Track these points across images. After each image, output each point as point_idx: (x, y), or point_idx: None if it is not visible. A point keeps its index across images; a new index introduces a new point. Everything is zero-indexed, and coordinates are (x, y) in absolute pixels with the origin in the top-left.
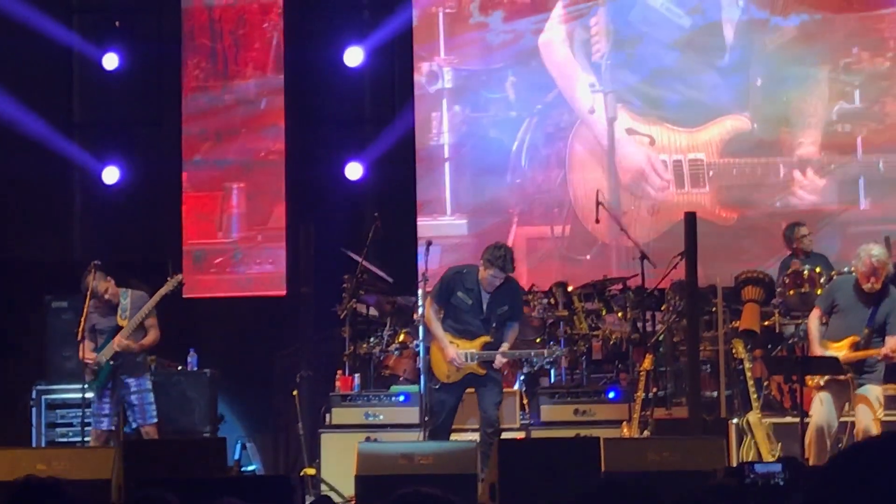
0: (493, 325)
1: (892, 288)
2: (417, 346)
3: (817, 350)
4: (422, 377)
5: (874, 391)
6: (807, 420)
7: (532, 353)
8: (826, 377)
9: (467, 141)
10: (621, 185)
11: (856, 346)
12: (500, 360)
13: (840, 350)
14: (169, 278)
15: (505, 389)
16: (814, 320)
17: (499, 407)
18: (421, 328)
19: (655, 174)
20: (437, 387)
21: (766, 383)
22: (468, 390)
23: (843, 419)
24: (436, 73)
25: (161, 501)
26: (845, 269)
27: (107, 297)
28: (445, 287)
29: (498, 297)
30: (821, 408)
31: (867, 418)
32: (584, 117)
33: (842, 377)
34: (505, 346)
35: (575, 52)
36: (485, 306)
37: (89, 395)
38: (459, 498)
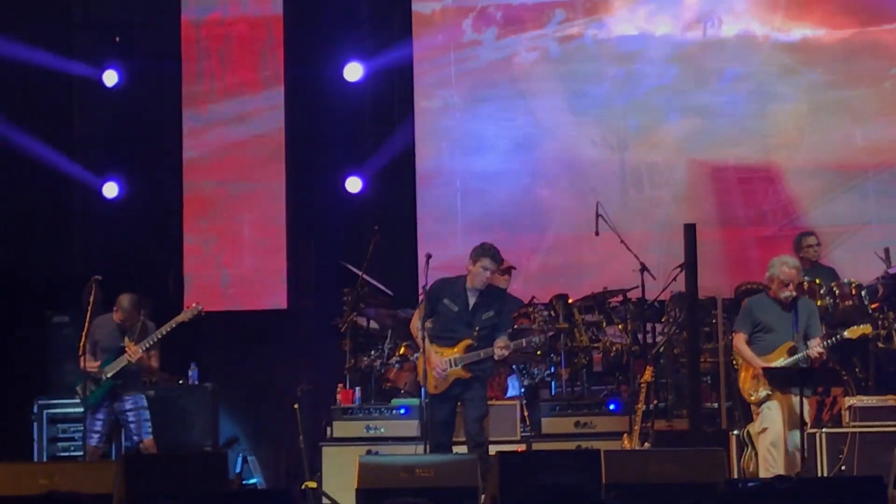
0: (478, 329)
1: (801, 296)
2: (418, 358)
3: (760, 366)
4: (423, 389)
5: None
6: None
7: (523, 341)
8: (765, 391)
9: (466, 155)
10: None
11: (791, 351)
12: (500, 352)
13: (776, 359)
14: (189, 307)
15: (503, 402)
16: (741, 343)
17: (482, 421)
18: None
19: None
20: (426, 401)
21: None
22: None
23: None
24: (435, 89)
25: None
26: (845, 281)
27: (126, 323)
28: (432, 295)
29: (484, 302)
30: (775, 420)
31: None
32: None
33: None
34: (500, 340)
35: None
36: (471, 310)
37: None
38: None
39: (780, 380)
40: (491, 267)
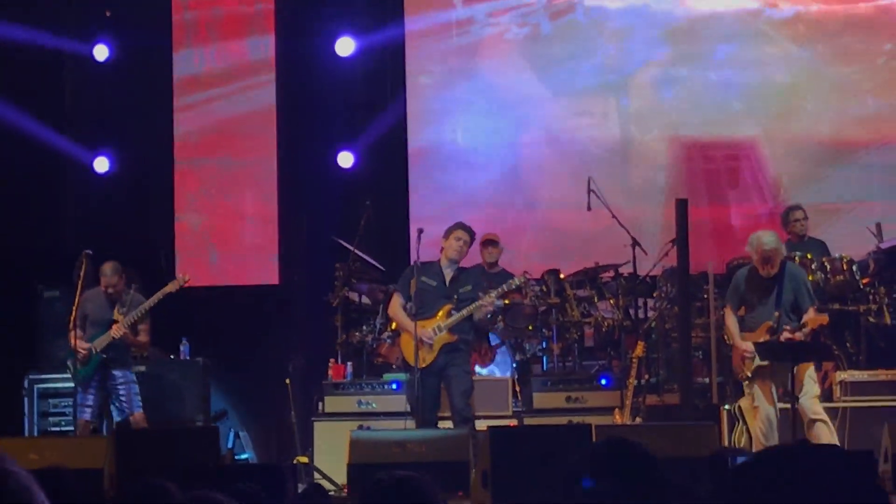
0: (456, 297)
1: (789, 266)
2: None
3: (741, 345)
4: (416, 359)
5: (804, 372)
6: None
7: (504, 286)
8: (754, 366)
9: (457, 131)
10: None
11: (771, 331)
12: (484, 305)
13: (759, 338)
14: (173, 278)
15: (496, 377)
16: (729, 317)
17: (468, 396)
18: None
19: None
20: (419, 376)
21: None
22: None
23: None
24: (427, 64)
25: (161, 491)
26: (837, 256)
27: (111, 290)
28: (409, 277)
29: (461, 277)
30: (762, 396)
31: (806, 397)
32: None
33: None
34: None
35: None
36: (448, 285)
37: (71, 384)
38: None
39: (770, 353)
40: (464, 237)
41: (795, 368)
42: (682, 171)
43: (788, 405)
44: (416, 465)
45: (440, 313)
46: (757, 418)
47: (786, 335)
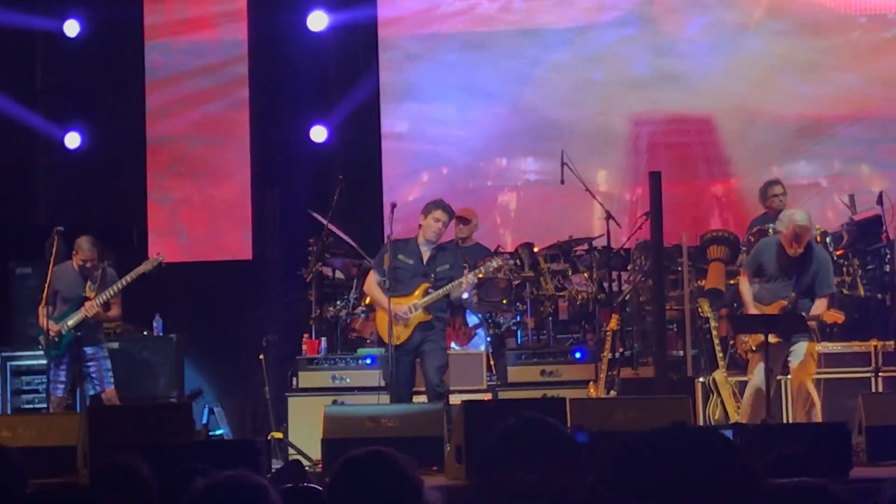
0: (433, 276)
1: (816, 249)
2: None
3: (754, 312)
4: (390, 334)
5: (806, 348)
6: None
7: (481, 268)
8: (759, 340)
9: (431, 105)
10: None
11: (783, 311)
12: (466, 283)
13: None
14: (148, 258)
15: (470, 352)
16: (744, 284)
17: (443, 371)
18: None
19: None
20: (395, 353)
21: (731, 342)
22: None
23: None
24: (399, 39)
25: (131, 469)
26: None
27: (88, 265)
28: (384, 253)
29: (439, 256)
30: (758, 369)
31: (802, 374)
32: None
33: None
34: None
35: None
36: (425, 264)
37: (44, 361)
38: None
39: (742, 326)
40: (443, 218)
41: (799, 348)
42: (655, 145)
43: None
44: (390, 440)
45: (417, 292)
46: (747, 389)
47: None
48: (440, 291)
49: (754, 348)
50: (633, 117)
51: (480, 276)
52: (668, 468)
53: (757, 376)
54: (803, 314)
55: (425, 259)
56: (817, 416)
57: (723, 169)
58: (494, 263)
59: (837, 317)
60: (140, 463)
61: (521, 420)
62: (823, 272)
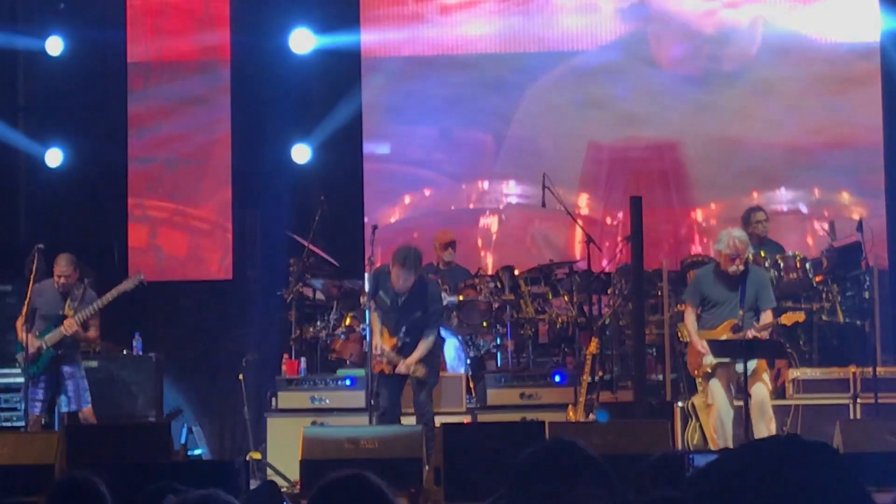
0: (405, 328)
1: (752, 267)
2: (364, 330)
3: (698, 343)
4: (368, 360)
5: (757, 364)
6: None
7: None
8: (713, 364)
9: (412, 127)
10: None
11: (735, 329)
12: (401, 368)
13: (721, 335)
14: (130, 276)
15: (450, 374)
16: (689, 316)
17: (426, 391)
18: (367, 312)
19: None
20: (378, 380)
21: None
22: None
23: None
24: (382, 61)
25: (86, 486)
26: (790, 254)
27: (64, 282)
28: (373, 284)
29: (412, 300)
30: (719, 394)
31: (762, 393)
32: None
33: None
34: (412, 357)
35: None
36: (400, 307)
37: (22, 379)
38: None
39: (723, 351)
40: (403, 275)
41: (755, 366)
42: (635, 170)
43: (741, 403)
44: (369, 462)
45: (392, 340)
46: (711, 416)
47: (752, 333)
48: (398, 360)
49: (710, 370)
50: (616, 143)
51: (457, 296)
52: (777, 480)
53: (719, 402)
54: (756, 327)
55: (400, 303)
56: (773, 431)
57: (704, 195)
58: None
59: (798, 316)
60: (98, 482)
61: (553, 442)
62: (764, 288)
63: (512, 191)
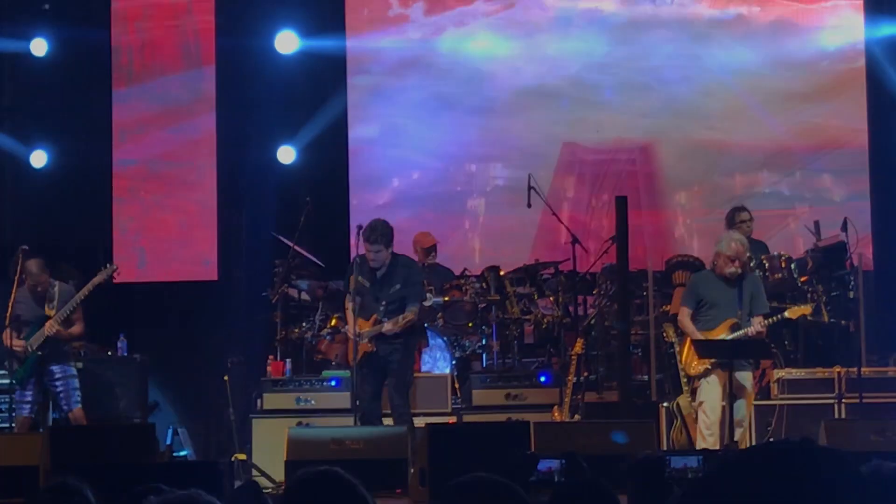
0: (385, 302)
1: (747, 272)
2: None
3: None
4: (354, 356)
5: (748, 379)
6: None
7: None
8: (706, 364)
9: (397, 127)
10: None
11: (734, 328)
12: (387, 328)
13: (719, 335)
14: (102, 268)
15: (435, 374)
16: (685, 318)
17: (404, 392)
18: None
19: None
20: (359, 377)
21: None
22: None
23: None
24: (367, 62)
25: (76, 494)
26: (775, 255)
27: (39, 289)
28: (350, 273)
29: (390, 276)
30: (714, 393)
31: (743, 410)
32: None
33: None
34: (393, 322)
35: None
36: (379, 285)
37: (9, 381)
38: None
39: (708, 352)
40: (372, 249)
41: (744, 374)
42: (620, 172)
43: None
44: (354, 463)
45: (371, 319)
46: (703, 414)
47: (757, 328)
48: (378, 327)
49: (709, 367)
50: (600, 143)
51: (442, 297)
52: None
53: (714, 401)
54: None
55: (378, 277)
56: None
57: (688, 197)
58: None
59: (804, 309)
60: (86, 489)
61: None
62: (759, 293)
63: (496, 190)
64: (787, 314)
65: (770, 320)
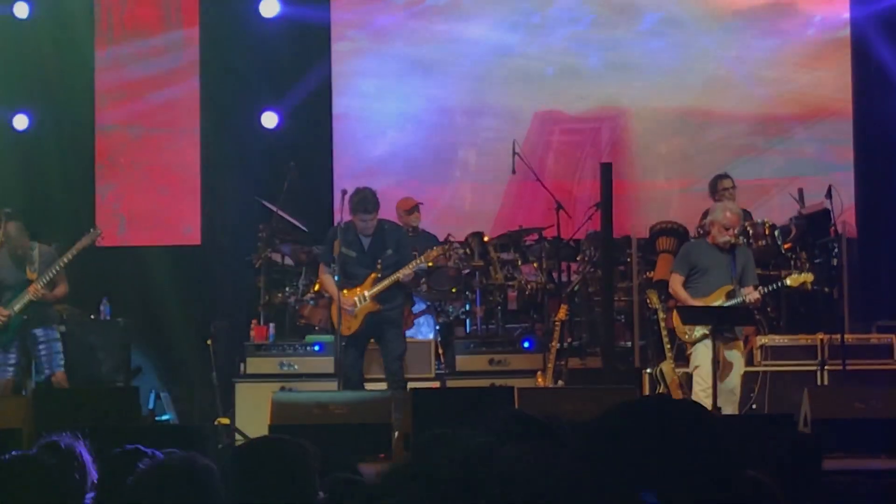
0: (380, 263)
1: (738, 244)
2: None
3: (691, 304)
4: (338, 323)
5: (738, 349)
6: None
7: (423, 257)
8: (702, 330)
9: (382, 93)
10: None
11: (730, 295)
12: (415, 266)
13: (715, 301)
14: (86, 232)
15: (419, 340)
16: (678, 286)
17: (402, 359)
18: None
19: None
20: (343, 343)
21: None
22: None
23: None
24: (350, 28)
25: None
26: (758, 221)
27: (19, 252)
28: (329, 245)
29: (379, 241)
30: (704, 358)
31: (736, 378)
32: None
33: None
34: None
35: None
36: (368, 253)
37: None
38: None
39: (693, 318)
40: (366, 217)
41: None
42: (605, 139)
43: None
44: (338, 427)
45: (367, 281)
46: (699, 378)
47: (755, 295)
48: (386, 281)
49: (707, 333)
50: (586, 112)
51: (430, 264)
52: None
53: (707, 365)
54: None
55: (366, 247)
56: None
57: (674, 165)
58: (436, 251)
59: (806, 277)
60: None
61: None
62: (750, 265)
63: (480, 157)
64: (788, 282)
65: (770, 287)
